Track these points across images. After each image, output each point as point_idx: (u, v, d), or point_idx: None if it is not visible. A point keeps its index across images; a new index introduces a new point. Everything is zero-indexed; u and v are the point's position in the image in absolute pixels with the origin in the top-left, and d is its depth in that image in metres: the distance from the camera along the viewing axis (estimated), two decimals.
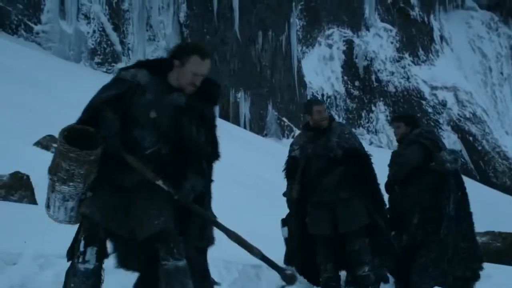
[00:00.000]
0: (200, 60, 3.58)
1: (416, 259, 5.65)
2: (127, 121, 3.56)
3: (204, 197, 3.72)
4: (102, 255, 3.60)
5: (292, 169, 5.48)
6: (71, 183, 3.44)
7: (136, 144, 3.54)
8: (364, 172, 5.32)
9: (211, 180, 3.77)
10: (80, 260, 3.53)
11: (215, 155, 3.74)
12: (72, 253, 3.61)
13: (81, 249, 3.53)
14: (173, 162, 3.61)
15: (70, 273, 3.58)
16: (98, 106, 3.54)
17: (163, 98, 3.58)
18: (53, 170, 3.46)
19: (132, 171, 3.50)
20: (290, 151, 5.62)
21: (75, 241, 3.61)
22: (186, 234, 3.64)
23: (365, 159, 5.40)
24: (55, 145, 12.24)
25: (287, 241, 5.69)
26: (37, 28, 26.16)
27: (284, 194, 5.68)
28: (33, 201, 8.51)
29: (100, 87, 3.66)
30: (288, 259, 5.58)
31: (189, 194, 3.56)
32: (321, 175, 5.31)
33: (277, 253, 5.90)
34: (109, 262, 3.74)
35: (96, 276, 3.58)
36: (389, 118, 41.07)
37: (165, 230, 3.50)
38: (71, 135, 3.46)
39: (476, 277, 5.87)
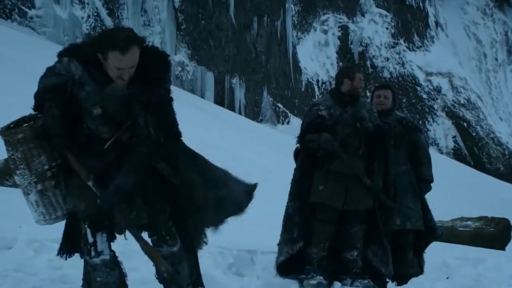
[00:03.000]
0: (120, 55, 3.15)
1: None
2: (81, 111, 3.30)
3: (187, 190, 3.40)
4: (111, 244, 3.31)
5: (320, 128, 5.06)
6: (17, 171, 3.30)
7: (93, 137, 3.30)
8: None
9: (185, 167, 3.42)
10: (93, 254, 3.23)
11: (175, 135, 3.42)
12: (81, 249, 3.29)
13: (90, 239, 3.22)
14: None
15: (89, 270, 3.29)
16: (42, 93, 3.33)
17: (103, 90, 3.24)
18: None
19: (102, 154, 3.27)
20: (315, 110, 5.20)
21: (66, 237, 3.35)
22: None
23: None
24: None
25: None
26: (31, 12, 25.98)
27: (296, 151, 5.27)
28: None
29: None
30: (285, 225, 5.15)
31: (112, 196, 3.18)
32: (346, 144, 5.07)
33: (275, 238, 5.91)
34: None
35: (118, 266, 3.32)
36: None
37: (151, 222, 3.33)
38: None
39: None
